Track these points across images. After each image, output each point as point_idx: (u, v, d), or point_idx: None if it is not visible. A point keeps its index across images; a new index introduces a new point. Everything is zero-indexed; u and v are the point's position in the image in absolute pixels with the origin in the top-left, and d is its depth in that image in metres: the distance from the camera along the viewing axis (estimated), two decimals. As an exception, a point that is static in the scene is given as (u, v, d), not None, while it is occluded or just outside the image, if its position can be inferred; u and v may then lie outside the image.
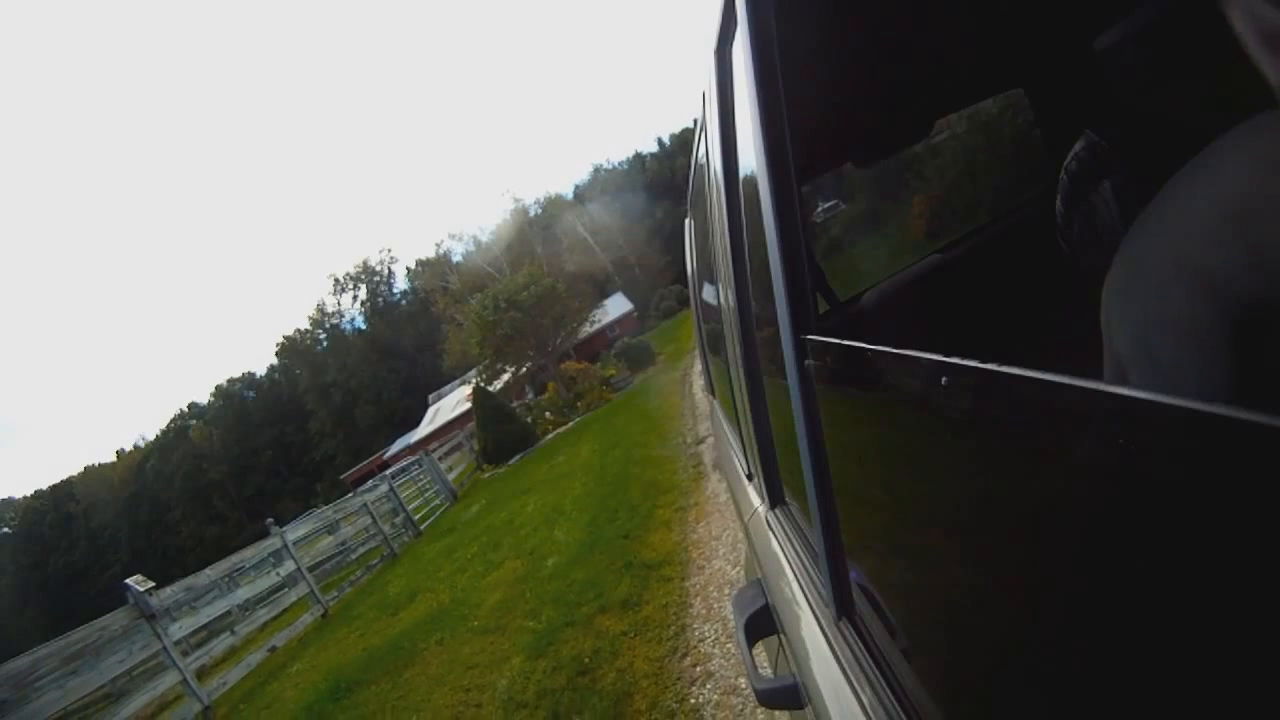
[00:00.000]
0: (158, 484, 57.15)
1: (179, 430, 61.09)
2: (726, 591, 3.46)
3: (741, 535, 3.72)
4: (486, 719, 3.40)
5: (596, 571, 4.64)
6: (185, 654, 6.12)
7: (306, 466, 56.02)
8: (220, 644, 6.90)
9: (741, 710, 2.50)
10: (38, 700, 4.85)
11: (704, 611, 3.38)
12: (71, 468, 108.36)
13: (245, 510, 54.21)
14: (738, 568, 3.63)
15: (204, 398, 65.35)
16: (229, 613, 7.80)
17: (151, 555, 52.46)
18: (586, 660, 3.43)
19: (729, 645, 2.97)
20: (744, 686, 2.66)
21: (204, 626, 7.01)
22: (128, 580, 5.85)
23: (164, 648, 5.80)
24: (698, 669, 2.92)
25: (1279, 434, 0.18)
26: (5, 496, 64.64)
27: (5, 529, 61.33)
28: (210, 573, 7.12)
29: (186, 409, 64.26)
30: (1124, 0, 1.16)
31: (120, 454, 64.45)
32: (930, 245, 2.62)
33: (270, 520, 8.51)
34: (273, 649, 7.12)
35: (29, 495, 63.19)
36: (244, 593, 7.46)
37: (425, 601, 6.44)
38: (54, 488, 62.42)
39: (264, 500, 53.39)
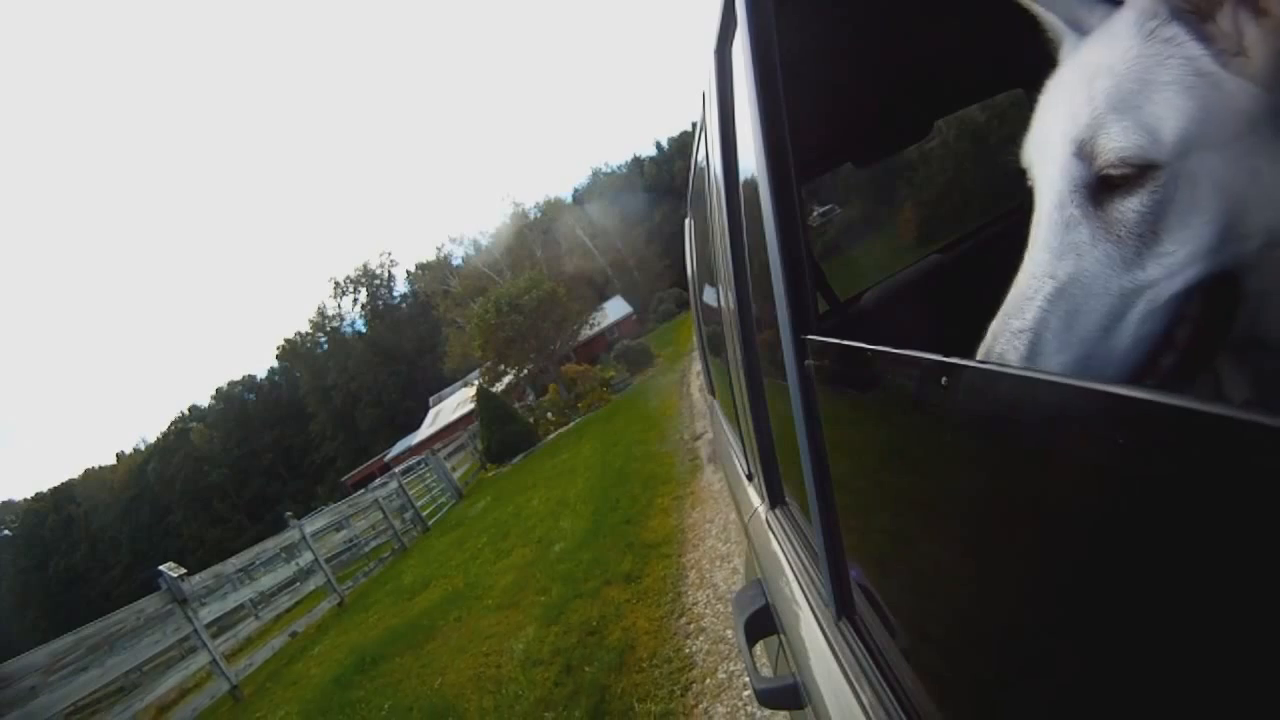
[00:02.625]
0: (158, 486, 57.20)
1: (179, 433, 61.18)
2: (718, 564, 3.83)
3: (733, 517, 3.96)
4: (506, 676, 3.72)
5: (601, 552, 4.98)
6: (214, 637, 6.41)
7: (307, 469, 56.11)
8: (246, 628, 7.22)
9: (727, 655, 2.89)
10: (82, 676, 5.07)
11: (698, 580, 3.77)
12: (72, 470, 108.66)
13: (246, 513, 54.29)
14: (728, 544, 4.00)
15: (204, 400, 65.79)
16: (249, 601, 8.04)
17: (152, 557, 52.03)
18: (594, 624, 3.80)
19: (719, 606, 3.34)
20: (731, 637, 2.99)
21: (229, 613, 7.30)
22: (161, 567, 6.19)
23: (195, 630, 6.08)
24: (691, 626, 3.30)
25: (1278, 434, 0.18)
26: (5, 499, 64.89)
27: (6, 531, 61.39)
28: (235, 561, 7.46)
29: (187, 411, 64.46)
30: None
31: (120, 456, 64.58)
32: (930, 245, 2.64)
33: (289, 514, 8.85)
34: (294, 633, 7.44)
35: (29, 498, 63.42)
36: (267, 580, 7.78)
37: (440, 587, 6.71)
38: (54, 490, 62.52)
39: (264, 503, 53.46)
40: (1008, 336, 0.47)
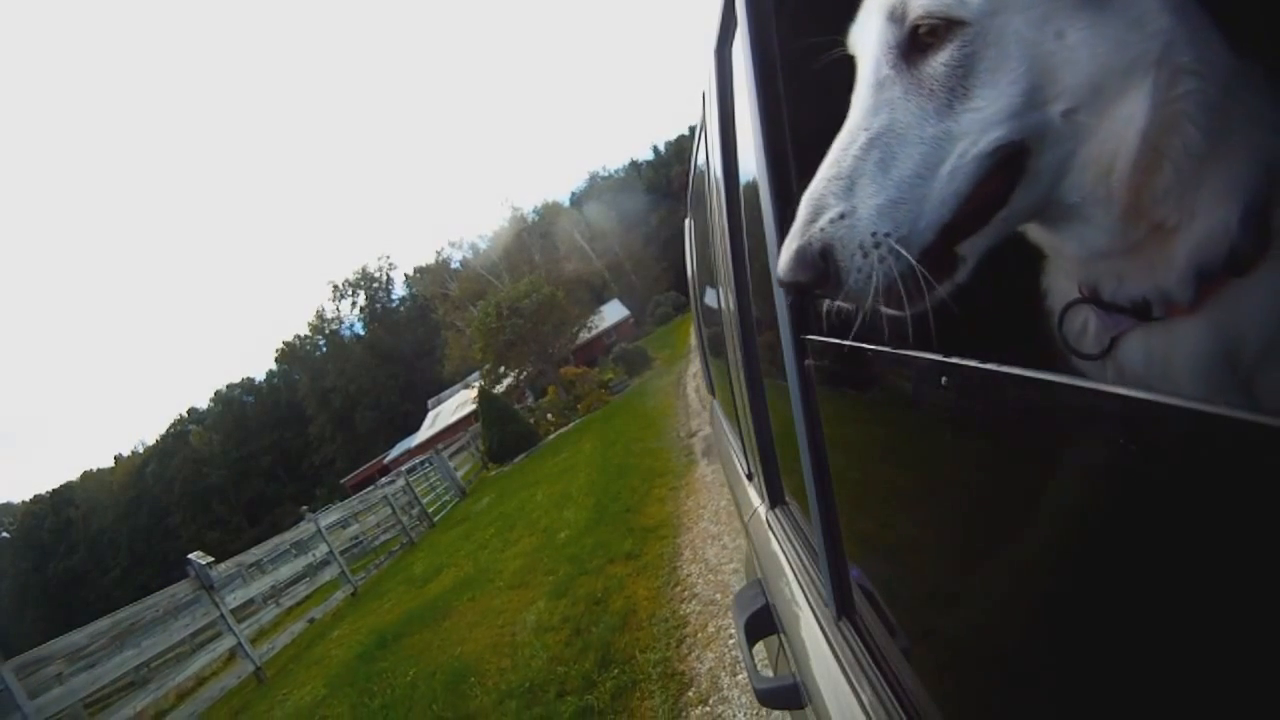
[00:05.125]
0: (157, 489, 57.26)
1: (178, 435, 61.31)
2: (710, 542, 4.28)
3: (724, 503, 4.43)
4: (521, 642, 4.18)
5: (603, 537, 5.44)
6: (239, 622, 6.82)
7: (306, 471, 56.28)
8: (266, 615, 7.60)
9: (716, 614, 3.32)
10: (117, 656, 5.48)
11: (691, 556, 4.24)
12: (70, 473, 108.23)
13: (245, 515, 54.43)
14: (719, 525, 4.45)
15: (203, 403, 65.91)
16: (261, 594, 8.31)
17: (151, 560, 52.52)
18: (599, 595, 4.25)
19: (710, 576, 3.79)
20: (720, 600, 3.44)
21: (249, 600, 7.65)
22: (190, 555, 6.61)
23: (222, 615, 6.50)
24: (685, 592, 3.77)
25: (1276, 434, 0.18)
26: (4, 501, 64.76)
27: (4, 534, 61.31)
28: (256, 552, 7.95)
29: (186, 414, 64.51)
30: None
31: (119, 459, 64.51)
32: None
33: (304, 507, 9.25)
34: (312, 620, 7.86)
35: (28, 500, 63.28)
36: (285, 571, 8.17)
37: (451, 574, 7.14)
38: (53, 492, 62.40)
39: (264, 505, 53.71)
40: (824, 183, 0.48)
